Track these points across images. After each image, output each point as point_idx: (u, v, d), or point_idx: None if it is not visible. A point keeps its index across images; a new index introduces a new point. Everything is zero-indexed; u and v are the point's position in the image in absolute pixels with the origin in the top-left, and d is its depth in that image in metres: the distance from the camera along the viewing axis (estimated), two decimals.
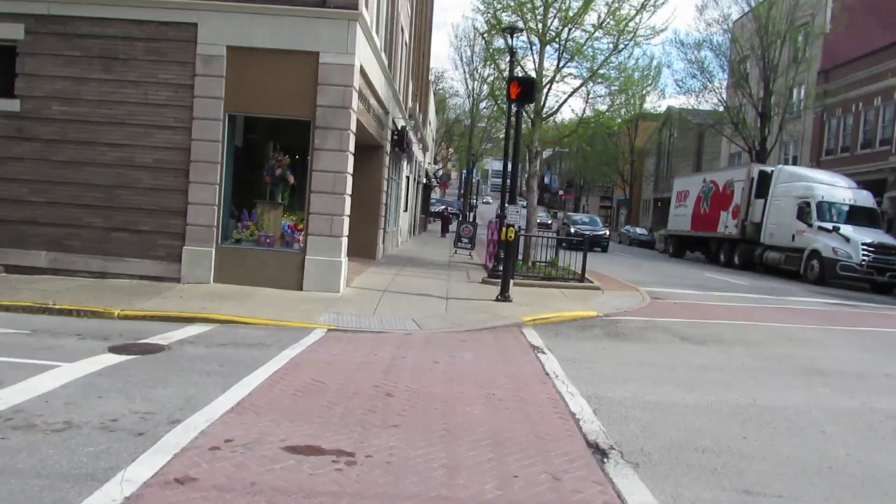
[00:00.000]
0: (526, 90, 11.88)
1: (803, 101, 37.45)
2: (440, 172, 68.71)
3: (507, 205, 12.42)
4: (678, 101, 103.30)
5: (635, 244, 48.24)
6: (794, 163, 36.40)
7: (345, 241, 12.32)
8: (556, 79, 17.93)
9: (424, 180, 43.21)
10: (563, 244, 25.01)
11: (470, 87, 54.77)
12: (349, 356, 7.69)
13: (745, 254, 28.80)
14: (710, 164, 49.43)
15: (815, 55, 36.25)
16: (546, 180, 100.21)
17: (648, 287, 16.55)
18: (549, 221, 55.43)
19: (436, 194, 77.04)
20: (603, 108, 18.84)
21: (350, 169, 12.25)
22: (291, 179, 12.67)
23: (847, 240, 22.73)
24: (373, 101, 15.39)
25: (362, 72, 13.14)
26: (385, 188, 19.06)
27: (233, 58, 11.92)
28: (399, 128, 20.54)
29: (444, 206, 58.97)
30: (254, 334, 8.73)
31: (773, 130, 35.62)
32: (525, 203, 18.62)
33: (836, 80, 34.83)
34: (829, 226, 23.51)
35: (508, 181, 13.86)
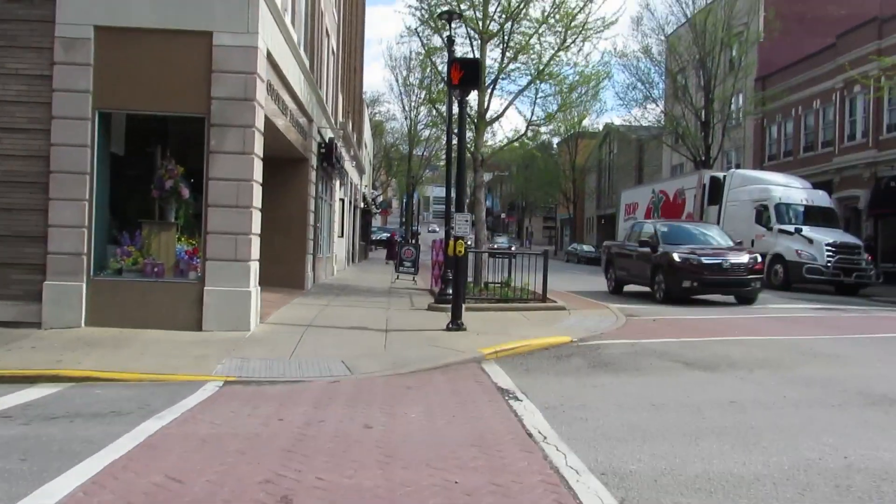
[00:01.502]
0: (469, 73, 9.83)
1: (742, 108, 37.06)
2: (380, 198, 66.48)
3: (454, 213, 10.24)
4: (616, 117, 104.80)
5: (583, 261, 47.01)
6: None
7: (254, 266, 9.87)
8: (501, 76, 16.01)
9: (363, 205, 40.82)
10: (658, 292, 15.36)
11: (407, 109, 53.10)
12: (240, 425, 5.28)
13: None
14: (653, 177, 48.81)
15: (752, 62, 35.87)
16: (488, 203, 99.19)
17: (616, 304, 14.60)
18: (512, 248, 52.80)
19: (377, 222, 74.64)
20: (552, 109, 17.01)
21: (257, 176, 9.86)
22: (186, 193, 10.18)
23: (810, 241, 21.50)
24: (290, 103, 13.08)
25: (272, 61, 10.85)
26: (312, 208, 16.67)
27: (103, 41, 9.45)
28: (327, 140, 18.24)
29: (391, 232, 56.46)
30: (114, 396, 6.23)
31: (717, 138, 34.92)
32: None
33: (774, 86, 34.47)
34: (791, 228, 22.28)
35: (453, 188, 11.74)
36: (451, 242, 10.26)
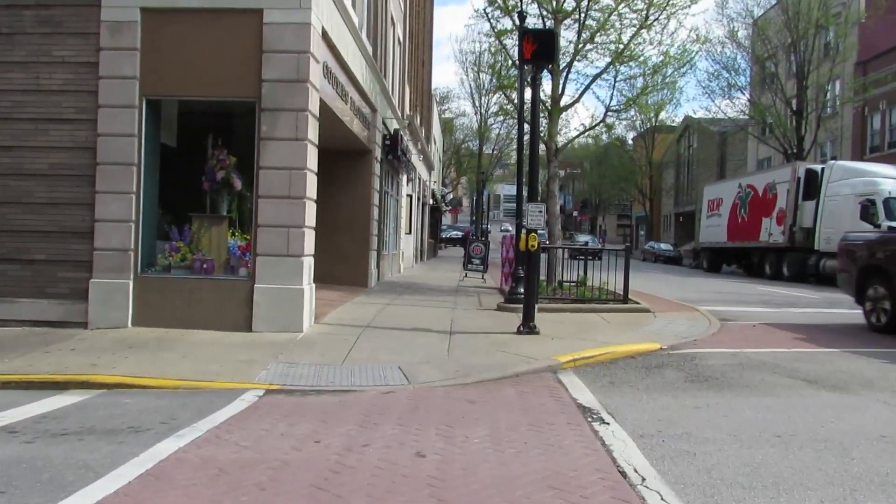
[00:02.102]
0: (543, 46, 8.74)
1: (839, 96, 34.17)
2: (450, 196, 65.84)
3: (525, 203, 9.19)
4: (698, 108, 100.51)
5: (661, 260, 44.80)
6: None
7: (308, 261, 9.12)
8: (577, 58, 14.80)
9: (431, 202, 40.13)
10: None
11: (477, 105, 52.40)
12: (269, 448, 4.43)
13: (795, 264, 25.24)
14: (736, 173, 45.91)
15: (852, 45, 32.94)
16: (560, 201, 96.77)
17: (704, 306, 13.17)
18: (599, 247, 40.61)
19: (447, 220, 74.03)
20: (632, 94, 15.63)
21: (312, 164, 9.10)
22: (238, 185, 9.53)
23: None
24: (350, 89, 12.33)
25: (328, 42, 10.09)
26: (377, 202, 15.93)
27: (150, 23, 8.91)
28: (392, 131, 17.48)
29: (465, 230, 55.38)
30: (141, 407, 5.52)
31: (811, 129, 32.32)
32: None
33: (877, 70, 31.57)
34: None
35: (525, 178, 10.68)
36: (523, 236, 9.20)
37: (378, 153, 15.99)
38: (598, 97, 48.30)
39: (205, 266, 9.14)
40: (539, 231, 9.22)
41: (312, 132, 9.06)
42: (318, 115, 9.31)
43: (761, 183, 28.82)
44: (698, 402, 5.68)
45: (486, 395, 6.06)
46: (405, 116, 21.46)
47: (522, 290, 11.62)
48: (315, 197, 9.37)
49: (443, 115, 56.22)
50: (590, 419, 5.12)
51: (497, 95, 31.24)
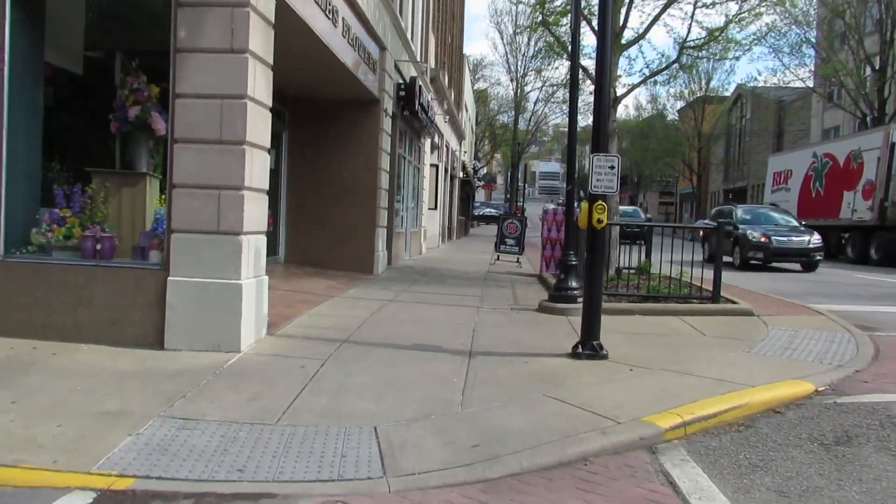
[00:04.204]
0: None
1: None
2: (483, 171, 62.37)
3: (590, 156, 5.89)
4: (759, 68, 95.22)
5: None
6: None
7: (255, 242, 5.97)
8: None
9: (462, 175, 36.74)
10: None
11: (513, 70, 48.96)
12: None
13: (886, 245, 21.43)
14: (797, 144, 41.44)
15: None
16: None
17: (812, 303, 9.79)
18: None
19: (480, 196, 70.53)
20: (718, 21, 12.03)
21: (260, 92, 5.90)
22: (162, 127, 6.39)
23: None
24: (343, 7, 9.07)
25: None
26: (386, 166, 12.71)
27: None
28: (408, 80, 14.20)
29: (517, 206, 51.61)
30: None
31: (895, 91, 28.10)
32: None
33: None
34: None
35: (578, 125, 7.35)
36: (584, 206, 5.93)
37: (389, 105, 12.75)
38: (670, 31, 43.03)
39: (99, 247, 6.06)
40: (615, 186, 5.92)
41: (259, 42, 5.86)
42: (271, 18, 6.12)
43: (843, 151, 24.81)
44: None
45: None
46: (428, 71, 18.15)
47: (574, 285, 8.40)
48: (267, 144, 6.21)
49: (476, 85, 52.66)
50: None
51: (536, 44, 27.66)
